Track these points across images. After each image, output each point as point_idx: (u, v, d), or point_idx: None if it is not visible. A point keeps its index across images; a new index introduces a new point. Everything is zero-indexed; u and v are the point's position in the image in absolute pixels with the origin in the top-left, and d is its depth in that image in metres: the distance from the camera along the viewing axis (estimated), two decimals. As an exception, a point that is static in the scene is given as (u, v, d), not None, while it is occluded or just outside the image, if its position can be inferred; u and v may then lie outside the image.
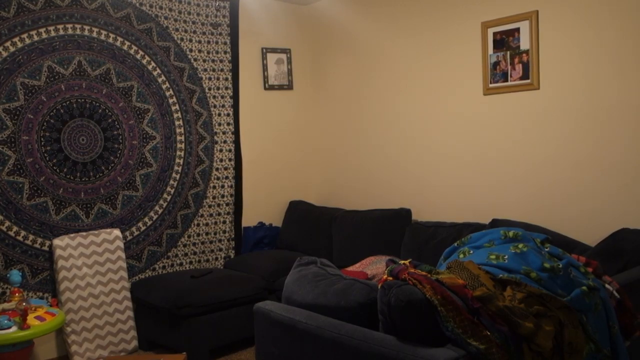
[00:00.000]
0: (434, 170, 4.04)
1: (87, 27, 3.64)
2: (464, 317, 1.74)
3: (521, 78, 3.47)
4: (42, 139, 3.49)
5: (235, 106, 4.45)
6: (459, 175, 3.89)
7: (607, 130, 3.15)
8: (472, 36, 3.71)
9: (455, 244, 2.52)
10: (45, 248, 3.51)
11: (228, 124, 4.39)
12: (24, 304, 3.02)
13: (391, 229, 3.95)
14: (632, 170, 3.07)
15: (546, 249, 2.32)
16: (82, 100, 3.64)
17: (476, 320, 1.77)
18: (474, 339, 1.71)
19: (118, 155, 3.80)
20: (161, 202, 4.02)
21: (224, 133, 4.37)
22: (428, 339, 1.76)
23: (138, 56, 3.89)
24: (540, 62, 3.38)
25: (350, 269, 3.60)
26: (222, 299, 3.52)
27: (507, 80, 3.55)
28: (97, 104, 3.71)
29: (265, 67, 4.66)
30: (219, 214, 4.36)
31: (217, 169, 4.34)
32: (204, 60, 4.26)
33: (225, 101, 4.39)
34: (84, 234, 3.59)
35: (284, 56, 4.77)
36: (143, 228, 3.94)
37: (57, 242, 3.48)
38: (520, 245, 2.25)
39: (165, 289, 3.53)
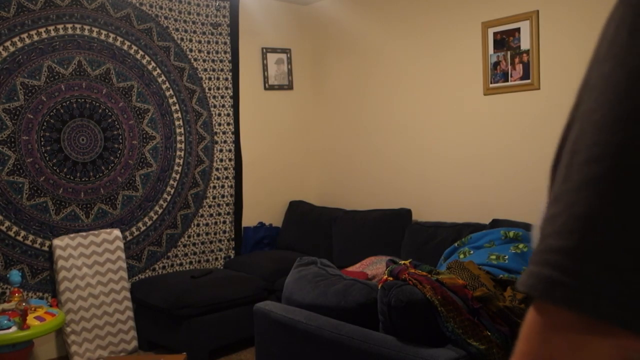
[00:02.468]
0: (434, 170, 4.04)
1: (87, 27, 3.64)
2: (464, 317, 1.74)
3: (521, 78, 3.47)
4: (42, 139, 3.49)
5: (235, 106, 4.44)
6: (459, 175, 3.88)
7: (607, 130, 3.15)
8: (472, 36, 3.71)
9: (456, 244, 2.52)
10: (45, 248, 3.50)
11: (228, 124, 4.39)
12: (24, 304, 3.01)
13: (391, 229, 3.95)
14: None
15: (546, 249, 2.32)
16: (82, 100, 3.64)
17: (476, 320, 1.76)
18: (474, 339, 1.71)
19: (118, 155, 3.80)
20: (161, 202, 4.02)
21: (224, 133, 4.36)
22: (428, 339, 1.76)
23: (138, 56, 3.89)
24: (540, 62, 3.38)
25: (351, 269, 3.60)
26: (222, 299, 3.52)
27: (507, 81, 3.54)
28: (97, 104, 3.70)
29: (265, 67, 4.66)
30: (219, 214, 4.36)
31: (217, 169, 4.34)
32: (204, 60, 4.26)
33: (225, 101, 4.39)
34: (84, 234, 3.59)
35: (284, 56, 4.77)
36: (143, 228, 3.94)
37: (57, 242, 3.48)
38: (521, 246, 2.25)
39: (165, 289, 3.53)
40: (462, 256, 2.35)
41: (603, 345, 0.35)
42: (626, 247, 0.34)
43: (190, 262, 4.21)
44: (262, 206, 4.68)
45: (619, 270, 0.34)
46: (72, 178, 3.61)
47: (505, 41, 3.52)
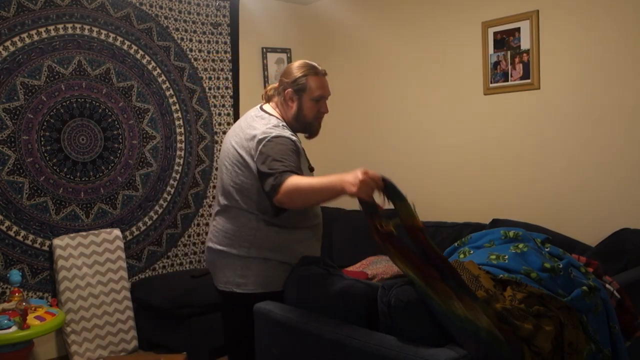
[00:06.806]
0: (434, 170, 4.04)
1: (87, 27, 3.64)
2: (440, 285, 1.75)
3: (521, 78, 3.47)
4: (42, 139, 3.49)
5: (236, 106, 4.44)
6: (459, 175, 3.88)
7: (607, 130, 3.15)
8: (472, 36, 3.71)
9: (456, 244, 2.52)
10: (45, 248, 3.50)
11: (228, 123, 4.39)
12: (24, 303, 3.02)
13: (391, 229, 3.94)
14: (633, 170, 3.07)
15: (546, 249, 2.32)
16: (82, 100, 3.64)
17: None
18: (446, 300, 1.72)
19: (118, 155, 3.80)
20: (161, 202, 4.02)
21: (224, 133, 4.36)
22: (428, 339, 1.76)
23: (138, 56, 3.89)
24: (540, 62, 3.38)
25: (351, 269, 3.60)
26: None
27: (507, 80, 3.55)
28: (97, 104, 3.70)
29: (265, 67, 4.66)
30: (219, 214, 4.35)
31: (217, 169, 4.33)
32: (204, 60, 4.26)
33: (226, 101, 4.39)
34: (84, 233, 3.59)
35: (284, 56, 4.77)
36: (143, 228, 3.94)
37: (57, 242, 3.48)
38: (521, 246, 2.25)
39: (165, 289, 3.53)
40: (462, 256, 2.35)
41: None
42: (278, 164, 2.09)
43: (191, 262, 4.21)
44: (262, 206, 4.68)
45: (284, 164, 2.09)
46: (72, 178, 3.61)
47: (505, 41, 3.52)
